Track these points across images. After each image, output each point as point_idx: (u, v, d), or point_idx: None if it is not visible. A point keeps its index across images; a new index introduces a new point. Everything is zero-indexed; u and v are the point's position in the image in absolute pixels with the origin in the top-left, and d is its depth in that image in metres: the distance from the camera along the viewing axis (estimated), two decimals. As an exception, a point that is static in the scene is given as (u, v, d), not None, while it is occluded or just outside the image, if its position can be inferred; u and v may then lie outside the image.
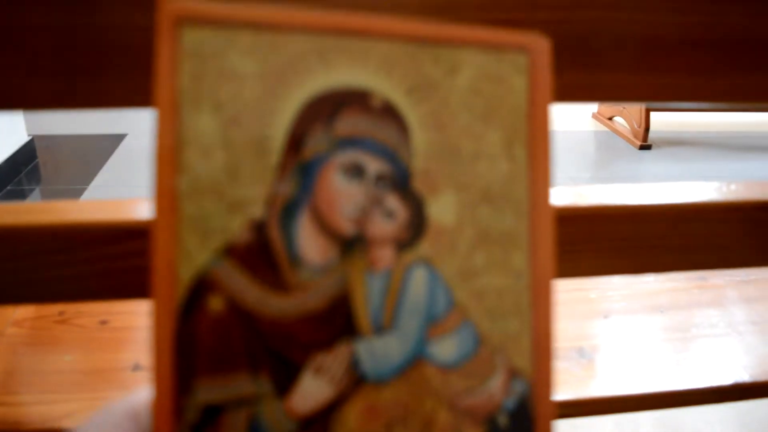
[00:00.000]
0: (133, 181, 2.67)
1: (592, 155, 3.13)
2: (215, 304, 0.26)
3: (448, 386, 0.29)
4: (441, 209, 0.29)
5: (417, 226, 0.29)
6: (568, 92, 0.43)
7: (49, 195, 2.57)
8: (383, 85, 0.28)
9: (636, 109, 3.13)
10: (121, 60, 0.39)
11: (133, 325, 0.75)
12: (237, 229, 0.27)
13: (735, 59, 0.44)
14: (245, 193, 0.27)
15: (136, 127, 3.20)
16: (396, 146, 0.28)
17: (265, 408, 0.27)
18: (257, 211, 0.27)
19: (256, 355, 0.27)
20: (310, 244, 0.27)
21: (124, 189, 2.59)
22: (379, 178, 0.28)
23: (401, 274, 0.28)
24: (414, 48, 0.28)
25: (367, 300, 0.28)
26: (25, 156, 2.77)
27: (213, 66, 0.27)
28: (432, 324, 0.29)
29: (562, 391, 0.68)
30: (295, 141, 0.27)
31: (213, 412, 0.26)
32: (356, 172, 0.28)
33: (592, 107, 3.50)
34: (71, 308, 0.77)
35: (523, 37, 0.29)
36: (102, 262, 0.48)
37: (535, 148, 0.30)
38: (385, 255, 0.28)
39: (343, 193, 0.28)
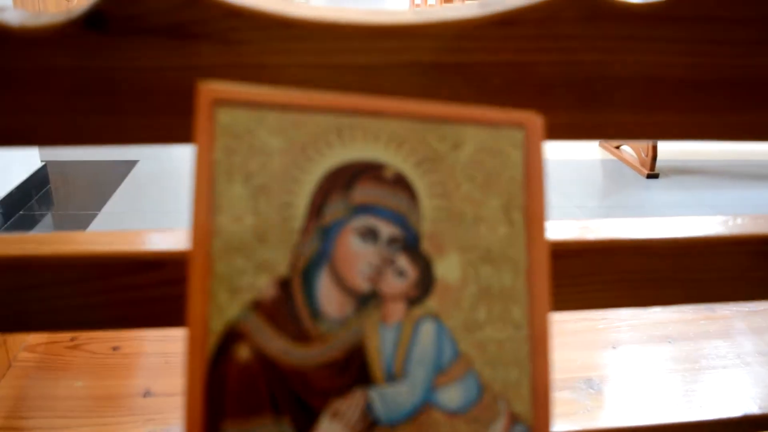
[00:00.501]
0: (144, 207, 2.68)
1: (600, 184, 3.13)
2: (243, 352, 0.29)
3: (454, 430, 0.32)
4: (447, 268, 0.32)
5: (425, 283, 0.32)
6: (575, 130, 0.44)
7: (61, 220, 2.58)
8: (394, 159, 0.32)
9: (643, 137, 3.13)
10: (137, 99, 0.40)
11: (145, 352, 0.76)
12: (264, 286, 0.30)
13: (740, 98, 0.45)
14: (272, 254, 0.30)
15: (148, 153, 3.23)
16: (406, 212, 0.32)
17: None
18: (282, 270, 0.30)
19: (279, 400, 0.30)
20: (329, 300, 0.31)
21: (135, 215, 2.61)
22: (391, 241, 0.31)
23: (411, 327, 0.31)
24: (421, 125, 0.32)
25: (380, 351, 0.31)
26: (38, 181, 2.79)
27: (244, 141, 0.30)
28: (439, 373, 0.32)
29: (570, 422, 0.68)
30: (316, 208, 0.31)
31: None
32: (371, 235, 0.31)
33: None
34: (83, 334, 0.78)
35: (519, 115, 0.34)
36: (114, 293, 0.49)
37: (530, 213, 0.33)
38: (396, 310, 0.31)
39: (358, 254, 0.31)
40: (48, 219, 2.58)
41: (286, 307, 0.30)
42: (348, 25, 0.37)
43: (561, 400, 0.71)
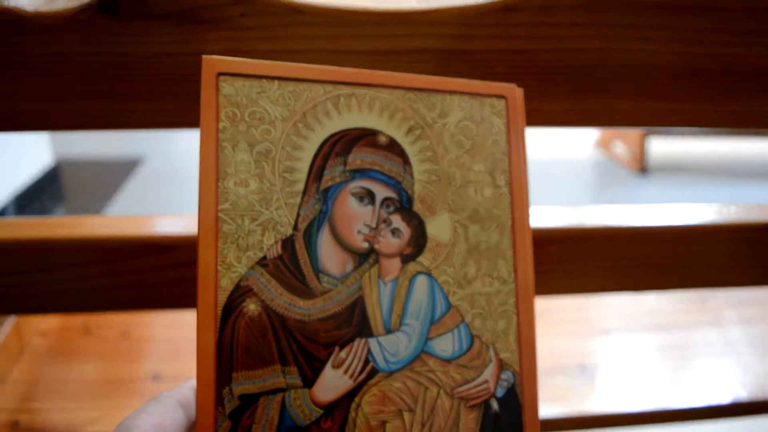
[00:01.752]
0: (151, 203, 2.68)
1: (592, 181, 3.13)
2: (252, 307, 0.31)
3: (448, 377, 0.33)
4: (438, 228, 0.34)
5: (419, 242, 0.34)
6: (574, 117, 0.44)
7: (71, 215, 2.58)
8: (387, 126, 0.34)
9: (635, 136, 3.13)
10: (148, 84, 0.40)
11: (154, 337, 0.76)
12: (270, 245, 0.31)
13: (738, 87, 0.45)
14: (276, 215, 0.32)
15: (155, 151, 3.23)
16: (399, 176, 0.34)
17: (294, 397, 0.31)
18: (286, 230, 0.32)
19: (285, 352, 0.31)
20: (330, 258, 0.32)
21: (142, 210, 2.60)
22: (386, 202, 0.33)
23: (407, 282, 0.33)
24: (412, 96, 0.34)
25: (379, 304, 0.33)
26: (49, 178, 2.79)
27: (247, 111, 0.32)
28: (433, 324, 0.33)
29: (564, 407, 0.68)
30: (317, 172, 0.32)
31: (249, 401, 0.31)
32: (367, 197, 0.33)
33: (594, 135, 3.51)
34: (94, 320, 0.78)
35: (501, 87, 0.36)
36: (125, 276, 0.49)
37: (514, 176, 0.35)
38: (393, 266, 0.33)
39: (356, 215, 0.33)
40: (59, 214, 2.57)
41: (291, 264, 0.32)
42: (356, 12, 0.37)
43: (555, 385, 0.71)
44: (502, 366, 0.34)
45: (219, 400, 0.30)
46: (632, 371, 0.74)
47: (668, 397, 0.69)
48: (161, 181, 2.89)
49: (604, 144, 3.44)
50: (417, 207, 0.33)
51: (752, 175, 3.18)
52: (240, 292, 0.31)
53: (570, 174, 3.14)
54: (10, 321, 0.72)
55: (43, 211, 2.57)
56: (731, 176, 3.16)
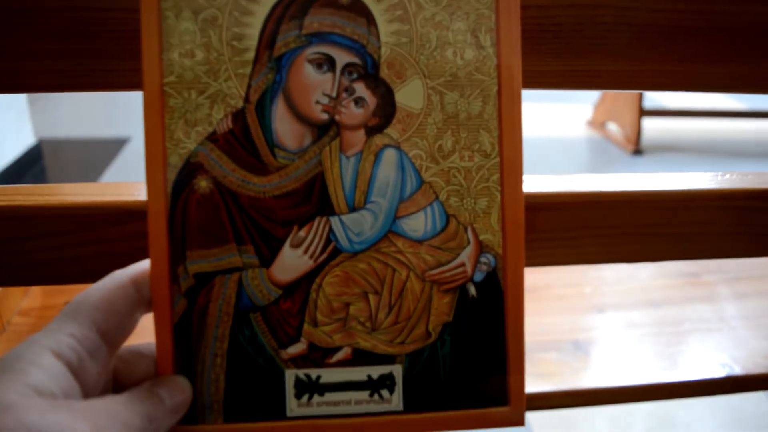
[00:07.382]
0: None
1: (586, 160, 3.13)
2: (203, 184, 0.29)
3: (419, 258, 0.31)
4: (408, 96, 0.31)
5: (385, 112, 0.30)
6: (567, 80, 0.43)
7: (55, 196, 2.56)
8: None
9: (629, 115, 3.13)
10: (128, 43, 0.39)
11: (136, 314, 0.75)
12: (219, 119, 0.29)
13: (732, 48, 0.44)
14: (225, 87, 0.29)
15: (141, 130, 3.20)
16: (363, 38, 0.30)
17: (251, 276, 0.30)
18: (236, 102, 0.30)
19: (240, 230, 0.30)
20: (286, 131, 0.30)
21: (128, 190, 2.59)
22: (348, 69, 0.30)
23: (372, 157, 0.30)
24: None
25: (341, 180, 0.30)
26: (31, 158, 2.76)
27: None
28: (402, 202, 0.31)
29: (558, 382, 0.68)
30: (269, 38, 0.30)
31: (205, 279, 0.29)
32: (326, 63, 0.30)
33: (586, 114, 3.51)
34: (76, 297, 0.77)
35: None
36: (104, 244, 0.48)
37: (502, 35, 0.31)
38: (356, 139, 0.30)
39: (314, 84, 0.30)
40: (41, 195, 2.55)
41: (243, 139, 0.30)
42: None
43: (548, 360, 0.71)
44: (481, 248, 0.31)
45: (174, 278, 0.29)
46: (626, 347, 0.74)
47: (662, 373, 0.69)
48: (147, 162, 2.87)
49: (596, 124, 3.44)
50: (384, 73, 0.30)
51: (747, 155, 3.20)
52: (189, 169, 0.29)
53: (563, 153, 3.14)
54: (-11, 298, 0.71)
55: (25, 192, 2.55)
56: (726, 156, 3.17)
